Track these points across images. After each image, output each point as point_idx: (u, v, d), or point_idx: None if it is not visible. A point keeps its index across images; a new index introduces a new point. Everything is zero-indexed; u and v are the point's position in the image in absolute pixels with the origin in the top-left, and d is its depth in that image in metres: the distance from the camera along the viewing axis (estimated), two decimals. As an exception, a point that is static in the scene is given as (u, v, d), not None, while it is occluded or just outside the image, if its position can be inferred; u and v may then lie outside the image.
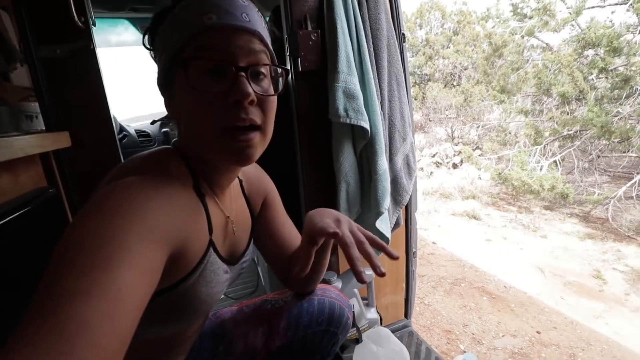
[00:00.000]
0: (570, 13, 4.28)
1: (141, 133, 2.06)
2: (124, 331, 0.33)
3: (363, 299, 1.26)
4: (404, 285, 1.56)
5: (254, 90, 0.45)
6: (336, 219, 0.57)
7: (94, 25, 0.93)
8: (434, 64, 8.70)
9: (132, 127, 2.11)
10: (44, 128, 0.93)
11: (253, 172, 0.72)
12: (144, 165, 0.49)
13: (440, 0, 8.64)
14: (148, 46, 0.53)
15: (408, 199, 1.25)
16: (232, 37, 0.44)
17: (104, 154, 0.94)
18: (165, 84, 0.50)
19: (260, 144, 0.49)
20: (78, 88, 0.89)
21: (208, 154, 0.49)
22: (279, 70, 0.51)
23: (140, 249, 0.37)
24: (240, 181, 0.67)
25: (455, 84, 8.54)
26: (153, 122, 2.08)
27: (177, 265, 0.46)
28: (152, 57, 0.53)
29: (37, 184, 0.81)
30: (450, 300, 2.43)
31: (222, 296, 0.64)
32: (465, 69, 8.36)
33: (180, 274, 0.48)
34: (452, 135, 7.64)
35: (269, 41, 0.50)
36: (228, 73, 0.44)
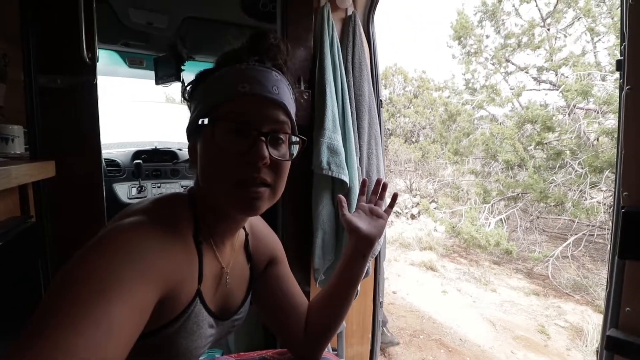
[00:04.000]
0: (512, 94, 5.01)
1: (110, 162, 1.98)
2: None
3: (333, 349, 1.25)
4: (369, 335, 1.57)
5: (270, 154, 0.50)
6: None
7: (98, 61, 0.97)
8: (396, 121, 9.42)
9: None
10: (19, 152, 0.90)
11: (262, 230, 0.72)
12: (151, 207, 0.51)
13: (403, 65, 9.61)
14: (187, 98, 0.59)
15: (379, 249, 1.32)
16: (259, 106, 0.50)
17: (88, 186, 0.92)
18: (193, 132, 0.55)
19: (269, 199, 0.53)
20: (72, 119, 0.89)
21: (220, 202, 0.52)
22: (297, 139, 0.57)
23: (133, 287, 0.38)
24: (247, 235, 0.68)
25: (414, 140, 9.24)
26: (175, 163, 2.10)
27: (163, 310, 0.46)
28: (188, 107, 0.59)
29: (11, 213, 0.77)
30: (409, 353, 2.44)
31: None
32: (423, 128, 9.13)
33: (162, 320, 0.49)
34: (411, 187, 8.11)
35: (293, 111, 0.56)
36: (250, 136, 0.49)
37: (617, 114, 0.63)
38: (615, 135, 3.62)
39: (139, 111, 3.44)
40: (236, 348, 1.39)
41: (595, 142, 4.35)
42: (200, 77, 0.56)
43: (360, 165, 1.25)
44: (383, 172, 1.33)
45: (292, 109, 0.56)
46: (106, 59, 1.86)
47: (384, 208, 0.73)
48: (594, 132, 4.26)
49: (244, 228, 0.68)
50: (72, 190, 0.90)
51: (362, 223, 0.67)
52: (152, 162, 2.07)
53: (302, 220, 1.28)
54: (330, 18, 1.22)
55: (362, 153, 1.27)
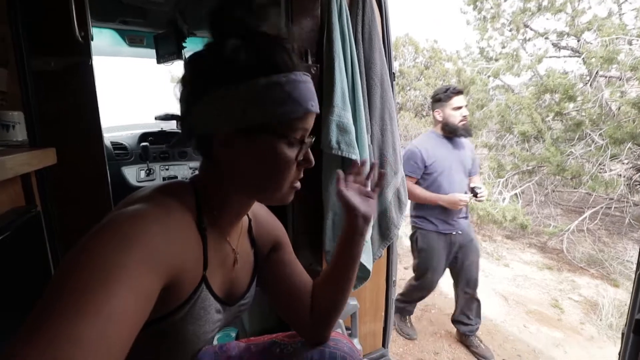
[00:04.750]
0: (532, 61, 4.74)
1: (117, 145, 1.97)
2: (116, 351, 0.34)
3: (347, 328, 1.26)
4: (382, 314, 1.57)
5: None
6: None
7: (92, 40, 0.91)
8: (406, 94, 9.15)
9: (106, 137, 2.02)
10: (21, 139, 0.88)
11: (264, 216, 0.73)
12: (153, 194, 0.51)
13: (414, 35, 9.21)
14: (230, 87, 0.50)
15: (396, 234, 1.29)
16: (311, 120, 0.55)
17: (91, 172, 0.89)
18: (238, 136, 0.51)
19: None
20: (70, 103, 0.86)
21: (267, 198, 0.57)
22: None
23: (137, 275, 0.38)
24: (250, 220, 0.69)
25: (425, 114, 9.01)
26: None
27: (168, 297, 0.46)
28: (221, 94, 0.50)
29: (15, 203, 0.76)
30: (421, 327, 2.47)
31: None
32: (434, 101, 8.87)
33: (169, 307, 0.49)
34: (422, 162, 7.99)
35: None
36: (301, 145, 0.54)
37: None
38: (641, 104, 3.43)
39: (143, 92, 3.39)
40: (250, 326, 1.41)
41: (617, 112, 4.13)
42: (245, 74, 0.49)
43: (372, 142, 1.19)
44: (399, 149, 1.27)
45: None
46: (107, 39, 1.79)
47: (369, 187, 0.74)
48: (616, 101, 4.04)
49: (247, 214, 0.67)
50: (75, 176, 0.87)
51: (358, 202, 0.68)
52: (159, 144, 2.05)
53: (311, 201, 1.25)
54: (338, -16, 1.12)
55: (374, 130, 1.20)
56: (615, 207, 4.11)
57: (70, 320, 0.32)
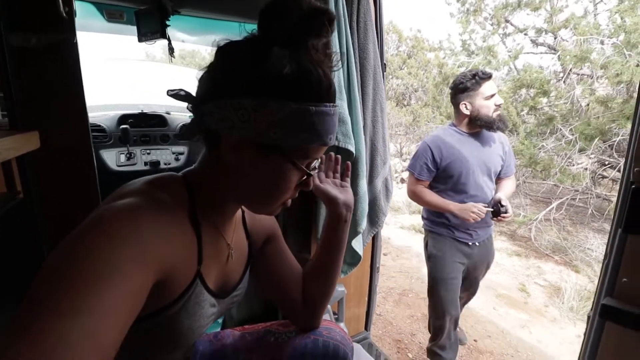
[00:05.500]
0: (509, 56, 4.87)
1: (95, 127, 1.87)
2: (105, 350, 0.34)
3: (334, 313, 1.30)
4: (366, 298, 1.63)
5: None
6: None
7: (75, 16, 0.86)
8: (388, 83, 9.18)
9: None
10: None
11: None
12: (144, 188, 0.50)
13: (398, 24, 9.18)
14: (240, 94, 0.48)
15: (384, 220, 1.32)
16: (323, 151, 0.54)
17: (77, 155, 0.85)
18: (253, 147, 0.49)
19: None
20: (53, 82, 0.80)
21: (256, 209, 0.59)
22: None
23: (126, 271, 0.38)
24: (243, 212, 0.69)
25: (405, 103, 9.10)
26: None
27: (161, 292, 0.46)
28: (252, 101, 0.47)
29: (-4, 189, 0.72)
30: (399, 310, 2.58)
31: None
32: (415, 91, 8.95)
33: (163, 302, 0.49)
34: (401, 151, 8.12)
35: None
36: (305, 171, 0.53)
37: (638, 89, 0.60)
38: (609, 103, 3.63)
39: (117, 70, 3.21)
40: (238, 313, 1.42)
41: (586, 109, 4.35)
42: (280, 92, 0.46)
43: (364, 133, 1.20)
44: (387, 140, 1.30)
45: None
46: (81, 12, 1.66)
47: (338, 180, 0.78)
48: (586, 98, 4.25)
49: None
50: (59, 161, 0.83)
51: (337, 192, 0.72)
52: (140, 127, 1.97)
53: (305, 193, 1.25)
54: (335, -30, 1.10)
55: (367, 121, 1.21)
56: (579, 199, 4.38)
57: (60, 321, 0.32)
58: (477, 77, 1.51)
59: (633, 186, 0.69)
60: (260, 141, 0.48)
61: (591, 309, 0.82)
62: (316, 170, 0.58)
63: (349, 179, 0.79)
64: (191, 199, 0.53)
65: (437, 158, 1.56)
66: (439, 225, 1.64)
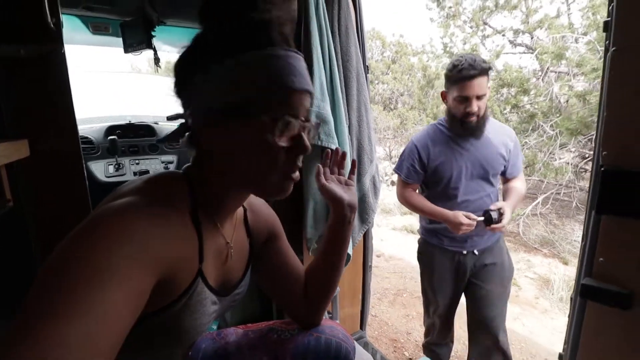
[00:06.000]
0: (490, 56, 5.03)
1: (82, 139, 1.86)
2: (105, 352, 0.34)
3: (328, 312, 1.31)
4: (360, 297, 1.65)
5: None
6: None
7: (62, 27, 0.88)
8: (374, 88, 9.32)
9: None
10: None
11: (259, 205, 0.72)
12: (144, 187, 0.49)
13: (381, 30, 9.37)
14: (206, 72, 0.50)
15: (374, 217, 1.36)
16: (303, 100, 0.50)
17: (66, 164, 0.86)
18: (222, 116, 0.48)
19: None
20: (42, 92, 0.82)
21: (260, 190, 0.54)
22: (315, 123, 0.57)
23: (127, 272, 0.38)
24: (245, 210, 0.68)
25: (392, 107, 9.25)
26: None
27: (163, 291, 0.46)
28: (200, 80, 0.49)
29: (-14, 198, 0.72)
30: (394, 311, 2.60)
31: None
32: (401, 95, 9.10)
33: (165, 301, 0.48)
34: (390, 154, 8.22)
35: None
36: (294, 128, 0.49)
37: (602, 76, 0.64)
38: (587, 98, 3.76)
39: (102, 83, 3.20)
40: (231, 316, 1.42)
41: (565, 105, 4.51)
42: (219, 52, 0.48)
43: (350, 133, 1.24)
44: (374, 139, 1.33)
45: None
46: (66, 25, 1.66)
47: (347, 176, 0.77)
48: (565, 94, 4.41)
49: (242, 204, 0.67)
50: (49, 169, 0.84)
51: (342, 192, 0.70)
52: (128, 137, 1.97)
53: (292, 192, 1.28)
54: (314, -23, 1.15)
55: (352, 121, 1.25)
56: (564, 192, 4.50)
57: (60, 324, 0.32)
58: (455, 70, 1.26)
59: (602, 168, 0.73)
60: (221, 107, 0.47)
61: (574, 291, 0.86)
62: (299, 122, 0.50)
63: (355, 176, 0.77)
64: (192, 196, 0.52)
65: (424, 159, 1.37)
66: (429, 233, 1.49)
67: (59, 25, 0.81)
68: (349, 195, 0.71)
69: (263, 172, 0.50)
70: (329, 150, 0.77)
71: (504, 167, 1.40)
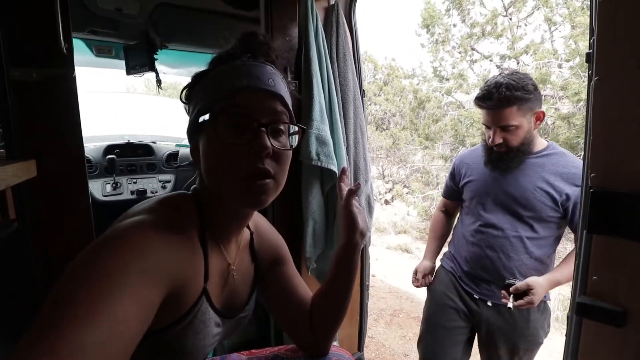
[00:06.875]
0: (478, 80, 5.22)
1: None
2: (118, 358, 0.36)
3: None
4: (357, 318, 1.63)
5: (272, 144, 0.51)
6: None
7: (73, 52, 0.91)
8: (367, 109, 9.51)
9: None
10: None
11: (266, 230, 0.73)
12: (156, 206, 0.52)
13: (373, 53, 9.67)
14: (184, 100, 0.58)
15: (369, 236, 1.37)
16: (257, 98, 0.51)
17: (71, 184, 0.87)
18: (193, 133, 0.55)
19: (273, 191, 0.53)
20: (51, 114, 0.84)
21: (227, 198, 0.53)
22: (296, 128, 0.58)
23: (139, 285, 0.40)
24: (251, 234, 0.69)
25: (384, 127, 9.42)
26: (178, 167, 2.00)
27: (168, 308, 0.47)
28: (186, 110, 0.58)
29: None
30: (391, 332, 2.57)
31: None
32: (393, 115, 9.30)
33: (169, 319, 0.50)
34: (383, 173, 8.30)
35: (290, 103, 0.56)
36: (251, 128, 0.50)
37: (587, 102, 0.69)
38: (571, 120, 3.91)
39: (99, 102, 3.24)
40: (228, 340, 1.40)
41: (552, 126, 4.66)
42: (197, 78, 0.56)
43: (347, 154, 1.28)
44: (369, 161, 1.37)
45: (289, 100, 0.56)
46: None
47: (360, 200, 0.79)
48: (551, 116, 4.57)
49: (249, 227, 0.69)
50: (55, 190, 0.85)
51: (360, 220, 0.70)
52: (126, 156, 1.98)
53: (291, 210, 1.29)
54: (314, 7, 1.21)
55: (349, 143, 1.29)
56: (554, 212, 4.57)
57: (77, 331, 0.33)
58: (477, 97, 1.15)
59: (592, 190, 0.77)
60: (198, 125, 0.53)
61: (570, 309, 0.88)
62: (254, 120, 0.50)
63: (358, 199, 0.75)
64: (200, 217, 0.55)
65: (457, 175, 1.35)
66: (446, 257, 1.40)
67: (71, 50, 0.85)
68: (361, 220, 0.70)
69: (224, 176, 0.51)
70: (346, 168, 0.78)
71: (556, 211, 1.11)
